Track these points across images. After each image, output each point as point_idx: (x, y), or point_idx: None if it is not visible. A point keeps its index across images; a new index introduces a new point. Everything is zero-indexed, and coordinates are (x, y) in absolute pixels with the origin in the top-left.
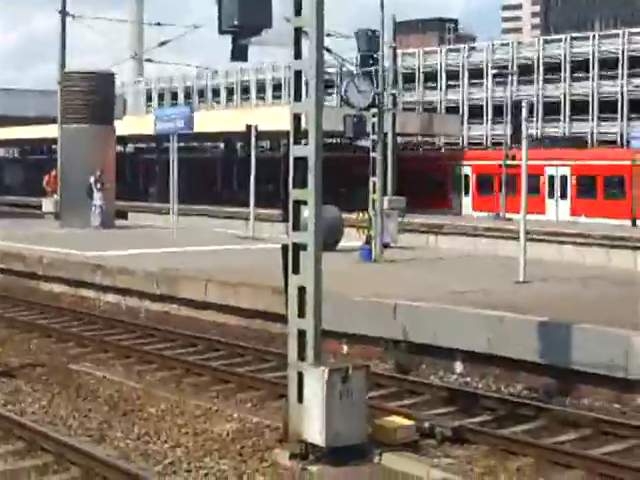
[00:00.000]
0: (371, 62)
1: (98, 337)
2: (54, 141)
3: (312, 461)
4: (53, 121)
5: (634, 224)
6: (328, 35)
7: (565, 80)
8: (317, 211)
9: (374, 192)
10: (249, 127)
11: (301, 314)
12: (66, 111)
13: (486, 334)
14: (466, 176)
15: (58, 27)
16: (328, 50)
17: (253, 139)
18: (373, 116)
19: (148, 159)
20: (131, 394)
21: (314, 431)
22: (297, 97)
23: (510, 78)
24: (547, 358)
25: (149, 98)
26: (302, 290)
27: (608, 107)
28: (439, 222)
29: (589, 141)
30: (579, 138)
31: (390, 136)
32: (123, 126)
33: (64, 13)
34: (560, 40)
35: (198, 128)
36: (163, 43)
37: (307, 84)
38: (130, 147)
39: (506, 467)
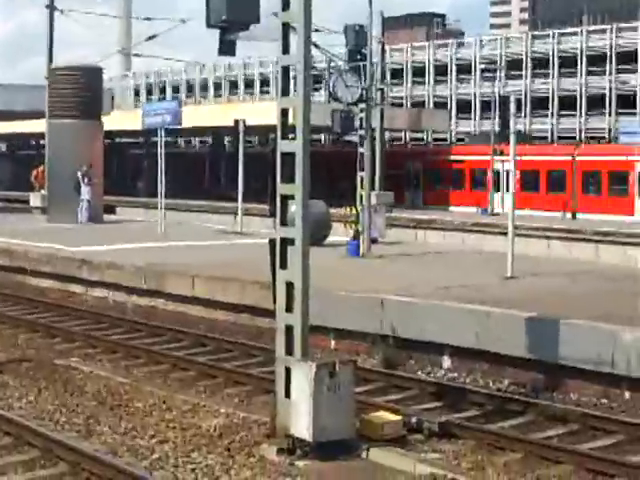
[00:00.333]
0: (359, 57)
1: (85, 332)
2: (42, 136)
3: (299, 456)
4: (41, 116)
5: (574, 217)
6: (316, 30)
7: (553, 75)
8: (304, 206)
9: (362, 187)
10: (237, 122)
11: (289, 309)
12: (54, 106)
13: (474, 329)
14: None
15: (46, 21)
16: (316, 45)
17: (241, 134)
18: (361, 111)
19: (136, 154)
20: (118, 389)
21: (301, 426)
22: (285, 92)
23: (498, 73)
24: (534, 353)
25: (137, 93)
26: (290, 285)
27: (596, 103)
28: (427, 217)
29: (579, 136)
30: (526, 135)
31: (378, 131)
32: (111, 121)
33: (52, 8)
34: (548, 35)
35: (186, 123)
36: (151, 37)
37: (295, 79)
38: (118, 142)
39: (493, 462)
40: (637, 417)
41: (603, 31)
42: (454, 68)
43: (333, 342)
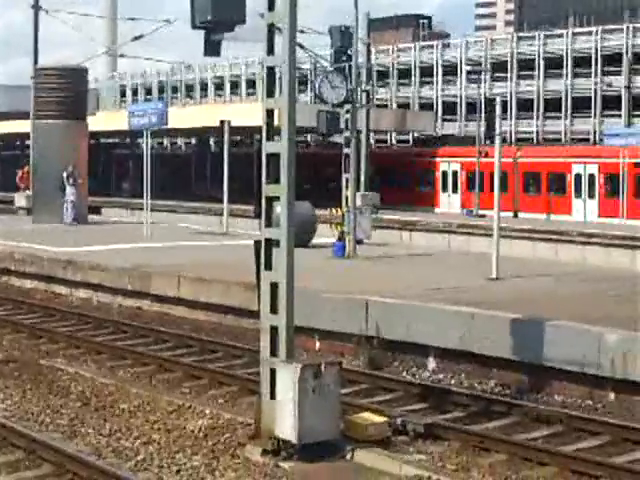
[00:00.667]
0: (345, 58)
1: (70, 333)
2: (27, 136)
3: (284, 457)
4: (22, 116)
5: (515, 216)
6: (302, 31)
7: (539, 77)
8: (290, 207)
9: (347, 188)
10: (222, 123)
11: (273, 310)
12: (39, 106)
13: (458, 330)
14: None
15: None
16: (301, 46)
17: (226, 135)
18: (346, 112)
19: (121, 154)
20: (103, 390)
21: (286, 427)
22: (270, 93)
23: (484, 75)
24: (519, 354)
25: (123, 93)
26: (275, 286)
27: (581, 104)
28: (413, 219)
29: (564, 138)
30: (471, 137)
31: (364, 132)
32: (96, 121)
33: (37, 7)
34: (534, 37)
35: (172, 124)
36: (137, 38)
37: (281, 80)
38: (103, 142)
39: (478, 463)
40: (622, 418)
41: (589, 33)
42: (440, 70)
43: (318, 343)
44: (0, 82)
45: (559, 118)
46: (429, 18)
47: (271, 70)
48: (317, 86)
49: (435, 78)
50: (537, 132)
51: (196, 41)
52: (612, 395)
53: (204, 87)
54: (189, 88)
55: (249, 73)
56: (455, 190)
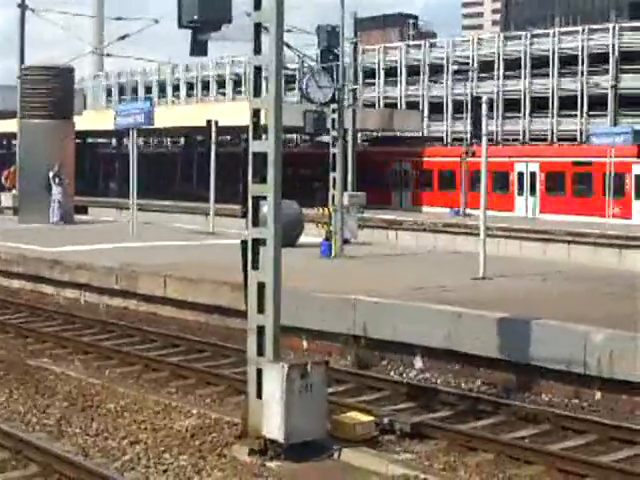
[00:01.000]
0: (331, 58)
1: (57, 333)
2: (14, 136)
3: (271, 457)
4: (13, 115)
5: (464, 213)
6: (289, 31)
7: (525, 77)
8: (276, 206)
9: (334, 188)
10: (209, 122)
11: (260, 310)
12: (25, 106)
13: (445, 330)
14: None
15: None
16: (288, 46)
17: (213, 134)
18: (333, 112)
19: (108, 154)
20: (90, 390)
21: (273, 427)
22: (257, 92)
23: (470, 74)
24: (506, 354)
25: (109, 93)
26: (261, 286)
27: (568, 104)
28: (399, 218)
29: (551, 137)
30: (415, 137)
31: (350, 132)
32: (83, 121)
33: (23, 7)
34: (520, 37)
35: (158, 123)
36: (123, 37)
37: (267, 79)
38: (90, 142)
39: (465, 462)
40: (608, 417)
41: (575, 33)
42: (426, 69)
43: (305, 343)
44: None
45: (546, 117)
46: (416, 17)
47: (258, 69)
48: (304, 86)
49: (422, 77)
50: (523, 131)
51: (183, 40)
52: (598, 394)
53: (191, 86)
54: (175, 87)
55: (233, 73)
56: (406, 187)
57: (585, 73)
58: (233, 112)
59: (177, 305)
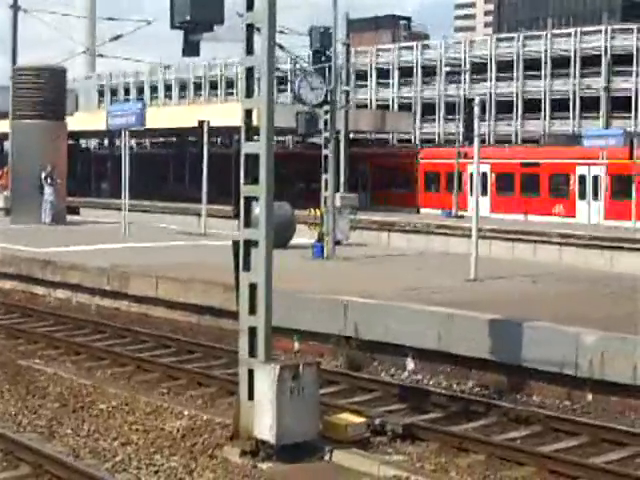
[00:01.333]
0: (324, 59)
1: (49, 333)
2: (5, 136)
3: (263, 458)
4: (5, 116)
5: (418, 212)
6: (281, 32)
7: (518, 78)
8: (268, 207)
9: (326, 189)
10: (201, 123)
11: (252, 311)
12: (17, 106)
13: (437, 331)
14: None
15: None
16: (281, 47)
17: (205, 135)
18: (325, 113)
19: (100, 154)
20: (81, 391)
21: (265, 428)
22: (249, 93)
23: (463, 76)
24: (497, 355)
25: (101, 94)
26: (253, 287)
27: (560, 106)
28: (391, 219)
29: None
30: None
31: (343, 133)
32: (75, 122)
33: (16, 7)
34: (513, 38)
35: (150, 124)
36: (115, 38)
37: (259, 80)
38: (83, 143)
39: (457, 464)
40: (599, 419)
41: (568, 34)
42: (419, 70)
43: (297, 344)
44: None
45: (538, 119)
46: (408, 19)
47: (250, 70)
48: (296, 87)
49: (414, 79)
50: (516, 133)
51: (175, 41)
52: (590, 396)
53: (183, 87)
54: (168, 88)
55: (225, 74)
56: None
57: (577, 75)
58: (225, 113)
59: (169, 306)
